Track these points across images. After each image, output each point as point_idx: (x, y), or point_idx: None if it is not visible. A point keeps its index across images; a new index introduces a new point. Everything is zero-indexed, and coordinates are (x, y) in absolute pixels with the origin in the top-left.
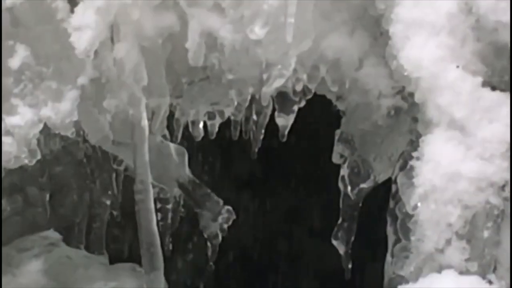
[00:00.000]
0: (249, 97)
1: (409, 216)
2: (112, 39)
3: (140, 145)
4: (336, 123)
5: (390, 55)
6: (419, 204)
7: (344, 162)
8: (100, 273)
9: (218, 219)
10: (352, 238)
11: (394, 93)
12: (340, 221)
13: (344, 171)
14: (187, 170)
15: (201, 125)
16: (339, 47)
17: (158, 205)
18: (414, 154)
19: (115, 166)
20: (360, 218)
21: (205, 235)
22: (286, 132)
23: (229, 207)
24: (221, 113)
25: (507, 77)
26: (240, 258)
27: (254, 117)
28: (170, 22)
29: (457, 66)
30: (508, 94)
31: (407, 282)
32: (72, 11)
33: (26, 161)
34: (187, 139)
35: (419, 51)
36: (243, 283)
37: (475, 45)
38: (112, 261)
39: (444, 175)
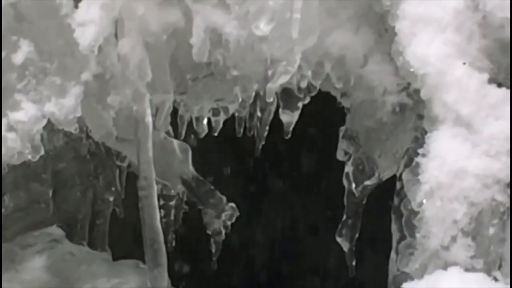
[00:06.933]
0: (253, 94)
1: (414, 213)
2: (116, 35)
3: (144, 141)
4: (340, 120)
5: (396, 51)
6: (424, 201)
7: (348, 159)
8: (103, 270)
9: (222, 216)
10: (356, 235)
11: (399, 90)
12: (344, 218)
13: (348, 168)
14: (190, 166)
15: (205, 121)
16: (344, 44)
17: (161, 202)
18: (420, 150)
19: (118, 163)
20: (363, 215)
21: (209, 232)
22: (291, 129)
23: (233, 204)
24: (226, 109)
25: None
26: (242, 255)
27: (259, 113)
28: (175, 18)
29: (464, 63)
30: None
31: (412, 279)
32: (76, 7)
33: (29, 157)
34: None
35: (426, 48)
36: (245, 280)
37: (482, 42)
38: (115, 257)
39: (450, 172)
